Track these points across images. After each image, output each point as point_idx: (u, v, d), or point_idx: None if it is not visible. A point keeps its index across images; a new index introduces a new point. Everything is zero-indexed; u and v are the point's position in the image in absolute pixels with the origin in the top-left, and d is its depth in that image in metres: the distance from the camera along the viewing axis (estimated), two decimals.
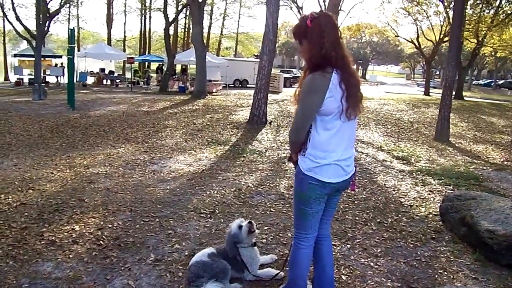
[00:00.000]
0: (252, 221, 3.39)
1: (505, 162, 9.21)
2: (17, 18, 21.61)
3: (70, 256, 3.66)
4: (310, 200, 2.63)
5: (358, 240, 4.31)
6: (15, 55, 31.65)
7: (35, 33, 21.29)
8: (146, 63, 37.80)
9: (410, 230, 4.64)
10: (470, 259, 3.96)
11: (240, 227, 3.31)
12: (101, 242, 3.97)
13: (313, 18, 2.48)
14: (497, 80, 61.34)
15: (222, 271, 3.17)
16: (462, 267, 3.81)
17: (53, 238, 4.01)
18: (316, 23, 2.47)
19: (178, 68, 32.47)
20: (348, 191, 2.95)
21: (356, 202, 5.58)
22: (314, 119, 2.53)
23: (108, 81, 29.16)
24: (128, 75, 31.67)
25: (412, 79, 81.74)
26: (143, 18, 46.24)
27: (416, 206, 5.57)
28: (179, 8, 32.64)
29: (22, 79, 26.67)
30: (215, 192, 5.82)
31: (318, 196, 2.61)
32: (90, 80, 28.58)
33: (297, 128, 2.58)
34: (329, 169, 2.55)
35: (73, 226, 4.32)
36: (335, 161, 2.54)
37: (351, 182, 2.70)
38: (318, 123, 2.54)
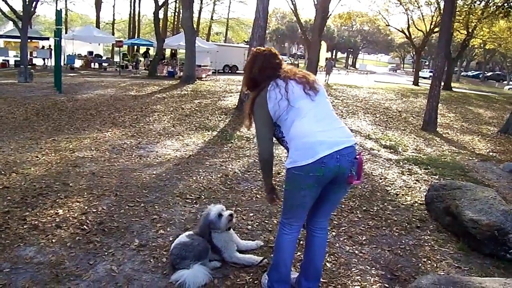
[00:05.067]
0: (233, 213, 3.37)
1: (490, 153, 9.30)
2: None
3: (53, 240, 3.61)
4: (293, 191, 2.66)
5: (343, 228, 4.32)
6: (0, 36, 31.02)
7: (21, 13, 20.81)
8: (135, 47, 37.38)
9: (396, 219, 4.67)
10: (454, 248, 4.00)
11: (219, 215, 3.26)
12: (85, 226, 3.92)
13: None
14: (485, 72, 61.83)
15: (203, 249, 3.18)
16: (446, 256, 3.84)
17: (36, 222, 3.96)
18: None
19: (168, 52, 32.13)
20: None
21: None
22: (270, 130, 2.79)
23: (96, 64, 28.76)
24: (116, 58, 31.26)
25: (402, 68, 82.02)
26: (132, 1, 45.55)
27: (402, 195, 5.60)
28: None
29: (7, 61, 26.14)
30: (202, 177, 5.79)
31: (302, 186, 2.60)
32: (78, 63, 28.18)
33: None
34: (303, 151, 2.57)
35: (57, 211, 4.26)
36: (305, 141, 2.57)
37: (349, 175, 2.61)
38: (282, 127, 2.76)
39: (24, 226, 3.86)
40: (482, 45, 38.82)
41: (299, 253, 3.49)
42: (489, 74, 62.26)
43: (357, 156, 2.63)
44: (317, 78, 2.86)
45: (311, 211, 2.84)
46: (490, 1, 25.60)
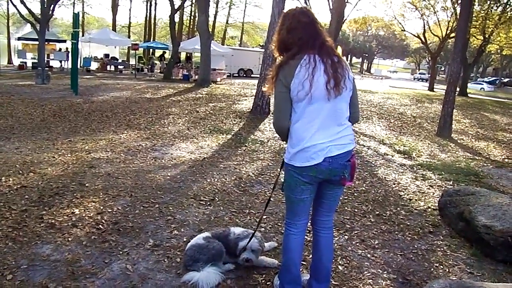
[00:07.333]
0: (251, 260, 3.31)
1: (506, 160, 9.20)
2: (21, 1, 21.51)
3: (69, 239, 3.68)
4: (291, 187, 2.71)
5: (356, 232, 4.33)
6: (18, 38, 31.47)
7: (39, 16, 21.18)
8: (151, 50, 37.72)
9: (408, 224, 4.66)
10: (467, 254, 3.98)
11: (253, 251, 3.27)
12: (100, 226, 3.99)
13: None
14: (502, 78, 61.10)
15: (217, 252, 3.21)
16: (458, 261, 3.83)
17: (53, 221, 4.03)
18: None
19: (183, 56, 32.36)
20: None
21: (355, 194, 5.60)
22: (289, 105, 2.61)
23: (112, 67, 29.10)
24: (132, 61, 31.59)
25: (417, 73, 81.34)
26: (148, 4, 46.05)
27: (415, 200, 5.59)
28: None
29: (25, 62, 26.55)
30: (216, 180, 5.84)
31: (298, 183, 2.66)
32: (94, 65, 28.52)
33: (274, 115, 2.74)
34: (299, 154, 2.60)
35: (73, 210, 4.34)
36: (304, 145, 2.57)
37: (342, 177, 2.64)
38: (293, 111, 2.64)
39: (41, 225, 3.94)
40: (499, 51, 38.36)
41: (310, 256, 3.51)
42: (505, 80, 61.49)
43: (350, 159, 2.65)
44: (350, 76, 2.64)
45: (312, 210, 2.91)
46: (507, 6, 25.33)
